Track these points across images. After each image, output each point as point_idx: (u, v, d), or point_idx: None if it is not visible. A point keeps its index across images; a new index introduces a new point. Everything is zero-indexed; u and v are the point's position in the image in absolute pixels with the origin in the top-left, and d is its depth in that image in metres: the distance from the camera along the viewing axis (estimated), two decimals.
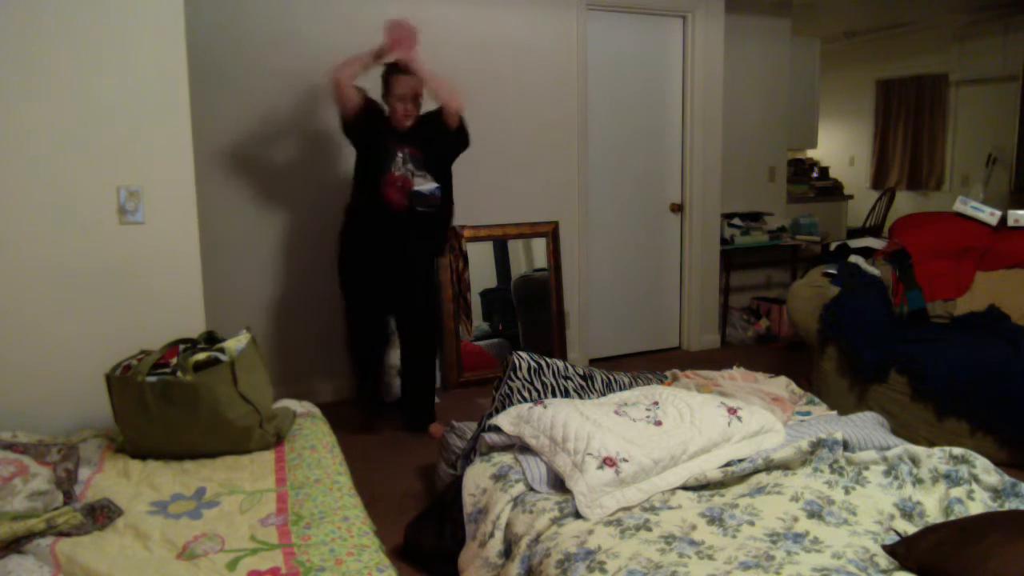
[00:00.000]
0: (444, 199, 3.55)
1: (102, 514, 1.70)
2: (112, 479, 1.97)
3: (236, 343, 2.17)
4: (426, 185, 3.44)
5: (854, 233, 6.69)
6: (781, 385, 2.93)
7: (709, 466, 2.16)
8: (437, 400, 4.10)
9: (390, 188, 3.39)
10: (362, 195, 3.50)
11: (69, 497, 1.81)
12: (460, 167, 4.41)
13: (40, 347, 2.28)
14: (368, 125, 3.44)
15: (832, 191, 6.87)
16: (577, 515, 1.96)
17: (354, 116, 3.40)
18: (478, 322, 4.55)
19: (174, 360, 2.08)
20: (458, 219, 4.45)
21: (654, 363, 4.82)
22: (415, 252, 3.56)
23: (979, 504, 1.94)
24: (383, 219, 3.43)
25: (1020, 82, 6.68)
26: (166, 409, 2.01)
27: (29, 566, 1.52)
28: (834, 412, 2.73)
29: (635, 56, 4.86)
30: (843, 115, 8.64)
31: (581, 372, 2.77)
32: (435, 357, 3.77)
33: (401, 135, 3.45)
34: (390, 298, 3.59)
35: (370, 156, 3.46)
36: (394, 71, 3.40)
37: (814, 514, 1.89)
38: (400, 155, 3.43)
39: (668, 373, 3.09)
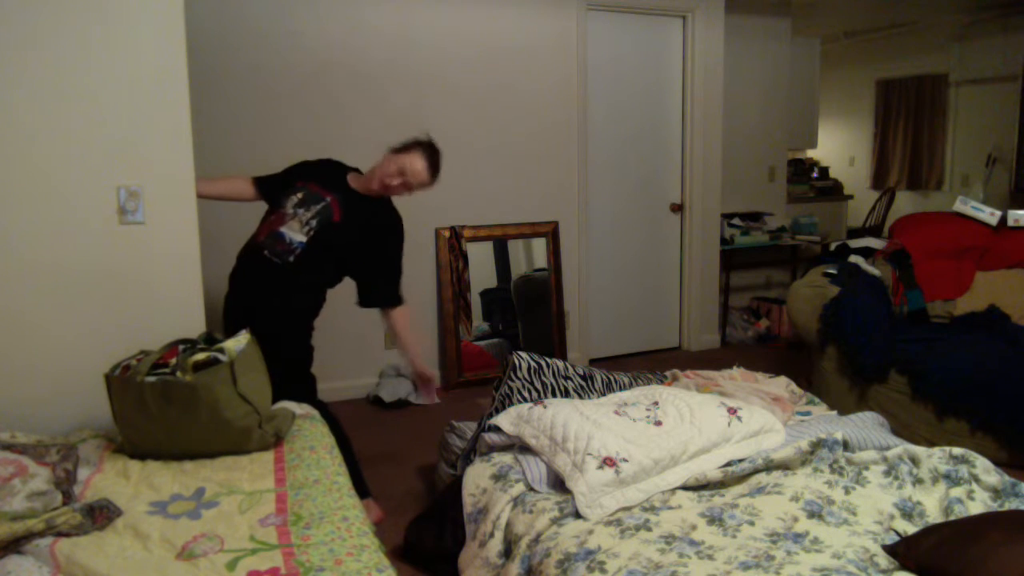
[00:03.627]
0: (305, 286, 2.67)
1: (101, 514, 1.70)
2: (111, 479, 1.97)
3: (235, 343, 2.16)
4: (294, 234, 2.61)
5: (854, 233, 6.69)
6: (781, 385, 2.93)
7: (709, 466, 2.16)
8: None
9: (263, 225, 2.72)
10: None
11: (68, 497, 1.81)
12: (459, 167, 4.42)
13: (39, 347, 2.28)
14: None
15: (832, 191, 6.87)
16: (577, 515, 1.96)
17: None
18: (478, 322, 4.55)
19: (173, 360, 2.08)
20: (458, 219, 4.47)
21: (654, 363, 4.82)
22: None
23: (979, 504, 1.94)
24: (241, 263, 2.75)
25: (1020, 82, 6.68)
26: (165, 409, 2.00)
27: (28, 566, 1.51)
28: (834, 412, 2.73)
29: (635, 56, 4.86)
30: (843, 115, 8.64)
31: (581, 372, 2.77)
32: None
33: (318, 175, 2.76)
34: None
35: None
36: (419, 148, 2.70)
37: (814, 514, 1.89)
38: (299, 193, 2.68)
39: (668, 373, 3.09)
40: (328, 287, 2.77)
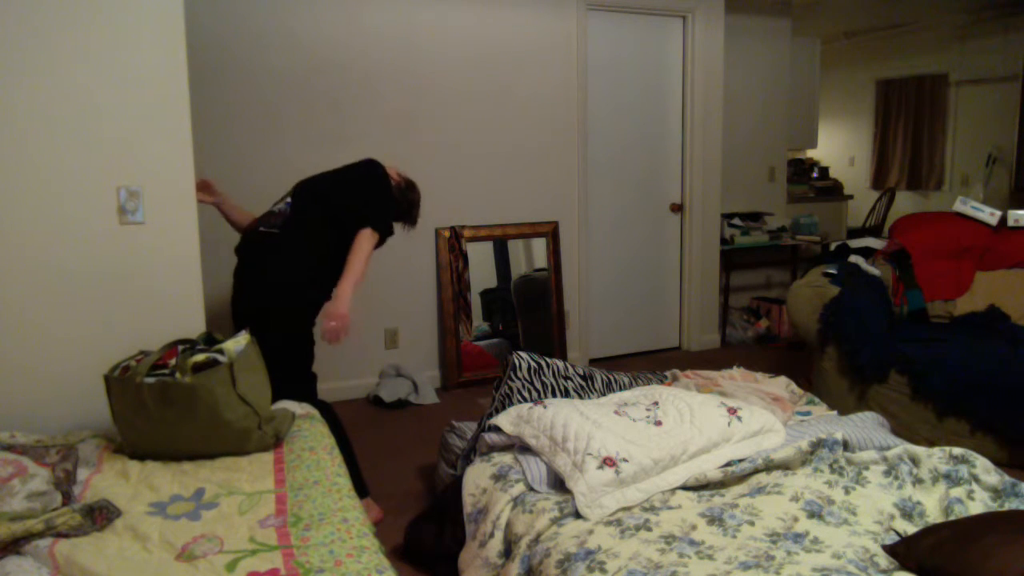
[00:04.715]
0: (306, 253, 2.66)
1: (101, 515, 1.70)
2: (111, 480, 1.96)
3: (235, 344, 2.16)
4: (281, 203, 2.77)
5: (854, 233, 6.69)
6: (781, 385, 2.93)
7: (709, 466, 2.16)
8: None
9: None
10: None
11: (68, 498, 1.81)
12: (459, 167, 4.43)
13: (39, 347, 2.27)
14: None
15: (832, 191, 6.87)
16: (577, 515, 1.96)
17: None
18: (478, 322, 4.55)
19: (173, 361, 2.08)
20: (458, 219, 4.47)
21: (654, 363, 4.82)
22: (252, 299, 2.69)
23: (979, 504, 1.94)
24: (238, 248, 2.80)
25: (1020, 82, 6.68)
26: (165, 410, 2.00)
27: (28, 567, 1.51)
28: (834, 412, 2.73)
29: (635, 56, 4.86)
30: (843, 115, 8.64)
31: (581, 372, 2.77)
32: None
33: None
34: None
35: None
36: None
37: (814, 514, 1.89)
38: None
39: (668, 373, 3.09)
40: (326, 263, 2.68)
